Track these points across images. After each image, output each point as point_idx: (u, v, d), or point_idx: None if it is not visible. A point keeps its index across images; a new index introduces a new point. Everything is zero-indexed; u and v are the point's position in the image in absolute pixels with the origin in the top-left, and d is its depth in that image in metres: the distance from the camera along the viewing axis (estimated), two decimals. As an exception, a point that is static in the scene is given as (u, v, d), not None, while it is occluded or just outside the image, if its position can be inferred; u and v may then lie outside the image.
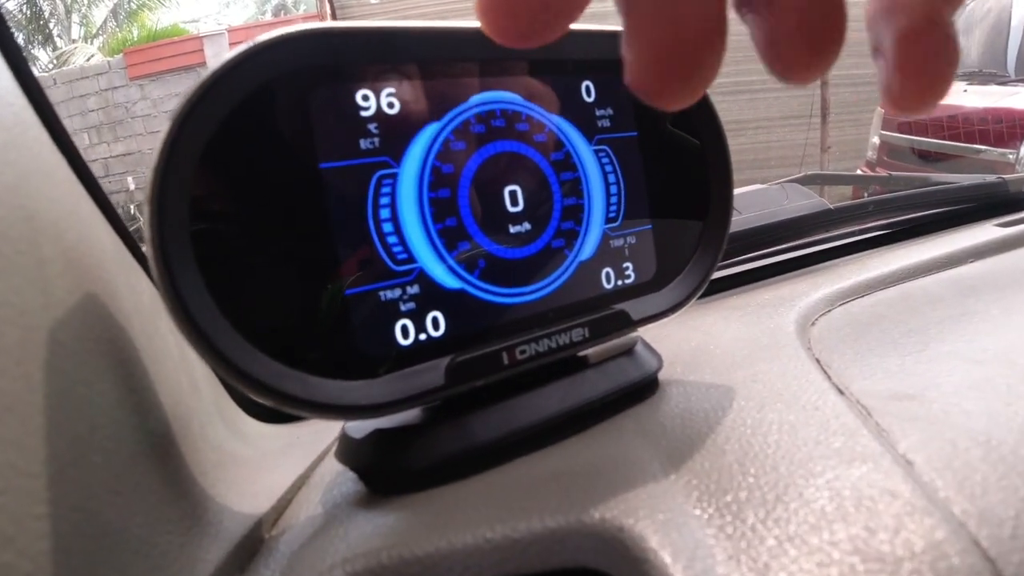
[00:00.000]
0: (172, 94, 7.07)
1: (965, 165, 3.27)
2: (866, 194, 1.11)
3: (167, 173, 0.22)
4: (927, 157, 3.65)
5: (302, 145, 0.25)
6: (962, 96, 3.62)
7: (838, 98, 5.07)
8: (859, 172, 4.08)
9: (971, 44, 4.08)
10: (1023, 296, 0.41)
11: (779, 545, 0.20)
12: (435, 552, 0.22)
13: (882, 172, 3.85)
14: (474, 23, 0.28)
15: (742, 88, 5.29)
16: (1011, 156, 3.14)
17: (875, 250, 0.67)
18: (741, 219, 0.69)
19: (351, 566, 0.22)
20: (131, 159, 7.79)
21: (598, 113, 0.32)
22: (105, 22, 12.86)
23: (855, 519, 0.20)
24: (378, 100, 0.26)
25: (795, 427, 0.26)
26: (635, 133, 0.34)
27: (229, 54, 0.23)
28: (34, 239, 0.22)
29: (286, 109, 0.24)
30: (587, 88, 0.32)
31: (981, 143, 3.35)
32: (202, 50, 6.92)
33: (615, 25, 0.31)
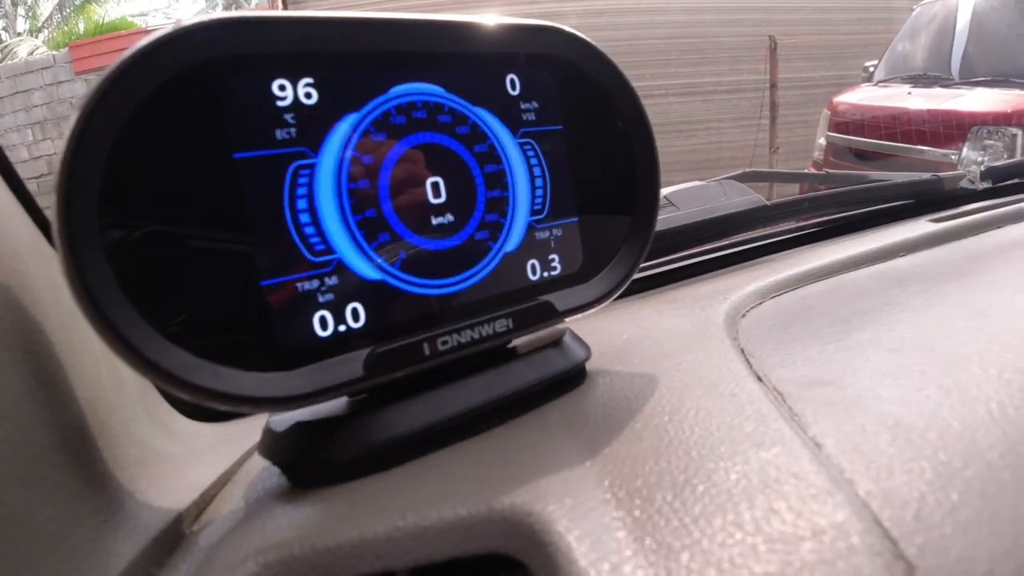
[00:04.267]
0: (119, 90, 6.90)
1: (908, 165, 3.35)
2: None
3: (75, 164, 0.21)
4: (871, 157, 3.72)
5: (215, 135, 0.24)
6: (907, 98, 3.72)
7: (786, 100, 5.17)
8: (805, 171, 4.16)
9: (916, 48, 4.17)
10: (946, 287, 0.42)
11: (683, 526, 0.20)
12: (346, 542, 0.22)
13: (828, 171, 3.95)
14: (396, 14, 0.28)
15: (695, 90, 5.37)
16: (953, 156, 3.23)
17: (811, 245, 0.68)
18: (680, 214, 0.70)
19: (263, 557, 0.22)
20: (77, 156, 7.58)
21: (523, 106, 0.33)
22: (51, 15, 12.51)
23: (759, 501, 0.21)
24: (295, 90, 0.26)
25: (711, 413, 0.27)
26: (560, 127, 0.34)
27: (139, 43, 0.23)
28: None
29: (199, 99, 0.24)
30: (512, 81, 0.32)
31: (924, 144, 3.43)
32: (150, 45, 6.77)
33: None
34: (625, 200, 0.36)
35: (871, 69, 4.48)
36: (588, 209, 0.35)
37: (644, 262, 0.37)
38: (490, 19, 0.31)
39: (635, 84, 0.35)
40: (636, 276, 0.38)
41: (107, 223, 0.22)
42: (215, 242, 0.24)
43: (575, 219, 0.35)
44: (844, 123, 4.02)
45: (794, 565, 0.18)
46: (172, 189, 0.23)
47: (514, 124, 0.32)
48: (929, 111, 3.51)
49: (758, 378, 0.30)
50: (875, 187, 0.83)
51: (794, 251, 0.66)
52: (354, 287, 0.27)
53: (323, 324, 0.27)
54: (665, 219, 0.70)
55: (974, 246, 0.57)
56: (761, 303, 0.46)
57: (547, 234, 0.34)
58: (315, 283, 0.26)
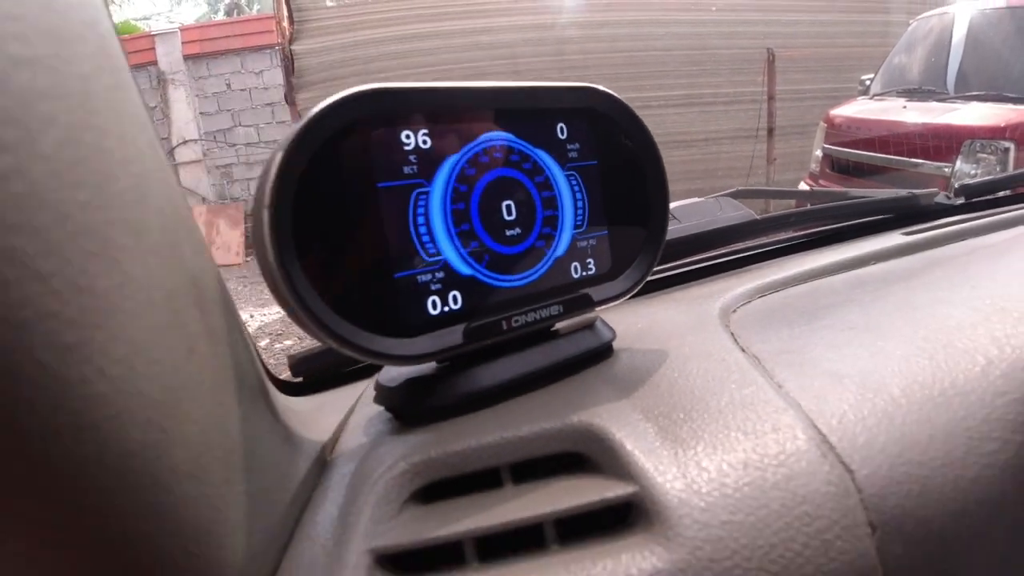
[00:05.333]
0: (124, 93, 6.95)
1: (902, 178, 3.39)
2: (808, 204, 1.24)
3: (279, 190, 0.32)
4: (866, 170, 3.80)
5: (366, 170, 0.35)
6: (902, 112, 3.79)
7: (784, 112, 5.27)
8: (802, 184, 4.24)
9: (912, 62, 4.20)
10: (895, 287, 0.52)
11: (691, 429, 0.31)
12: (467, 447, 0.33)
13: (825, 183, 4.01)
14: (482, 83, 0.39)
15: (694, 101, 5.46)
16: (947, 169, 3.31)
17: (796, 255, 0.78)
18: (682, 227, 0.81)
19: (409, 460, 0.33)
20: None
21: (568, 147, 0.43)
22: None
23: (739, 414, 0.32)
24: (416, 138, 0.37)
25: (708, 371, 0.38)
26: (595, 162, 0.45)
27: (319, 106, 0.33)
28: (175, 226, 0.31)
29: (355, 144, 0.35)
30: (561, 128, 0.43)
31: (919, 157, 3.49)
32: (153, 48, 6.78)
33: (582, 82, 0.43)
34: (643, 217, 0.47)
35: (867, 82, 4.54)
36: (615, 224, 0.46)
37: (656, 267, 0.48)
38: (547, 85, 0.42)
39: (634, 95, 0.46)
40: (648, 279, 0.49)
41: (298, 233, 0.33)
42: (367, 247, 0.35)
43: (605, 232, 0.45)
44: (840, 136, 4.10)
45: (760, 445, 0.29)
46: (339, 208, 0.34)
47: (562, 160, 0.43)
48: (924, 125, 3.58)
49: (742, 350, 0.41)
50: (856, 203, 0.93)
51: (780, 260, 0.76)
52: (454, 280, 0.38)
53: (434, 305, 0.37)
54: (669, 231, 0.80)
55: (936, 255, 0.67)
56: (749, 302, 0.57)
57: (585, 243, 0.44)
58: (428, 276, 0.37)
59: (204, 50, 6.88)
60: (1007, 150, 3.26)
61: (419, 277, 0.37)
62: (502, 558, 0.28)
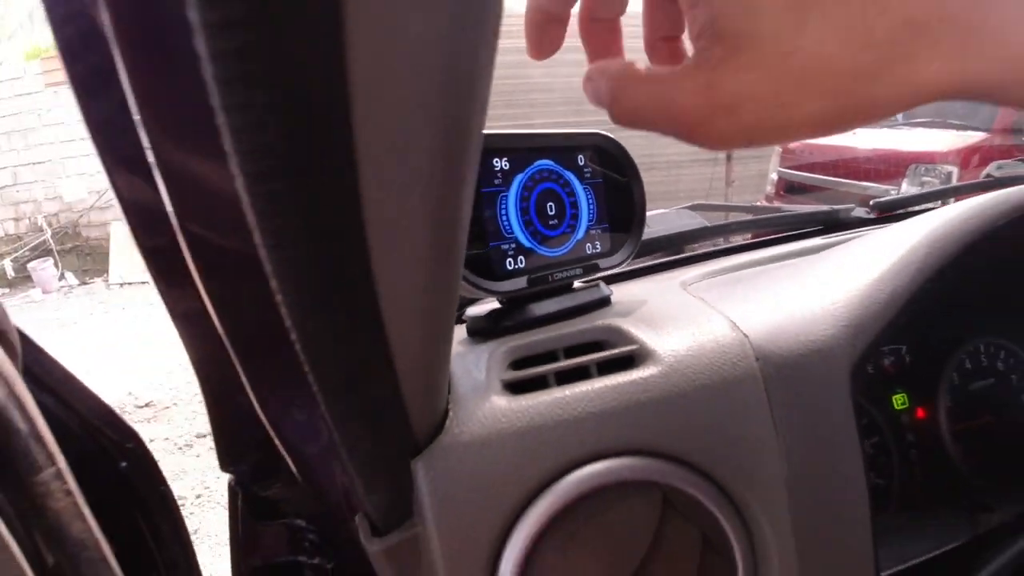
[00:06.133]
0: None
1: (852, 199, 3.63)
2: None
3: None
4: (819, 192, 4.04)
5: (476, 182, 0.59)
6: (852, 138, 4.02)
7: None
8: (757, 204, 4.50)
9: None
10: (799, 265, 0.78)
11: (663, 325, 0.56)
12: (537, 339, 0.57)
13: (778, 204, 4.25)
14: (538, 130, 0.64)
15: (656, 125, 5.70)
16: (894, 192, 3.44)
17: (736, 254, 1.04)
18: (650, 232, 1.06)
19: (507, 345, 0.57)
20: (42, 168, 7.58)
21: (585, 171, 0.68)
22: (20, 26, 12.56)
23: (691, 320, 0.57)
24: (501, 162, 0.61)
25: (672, 305, 0.63)
26: (601, 180, 0.69)
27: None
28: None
29: None
30: (580, 158, 0.68)
31: (868, 180, 3.73)
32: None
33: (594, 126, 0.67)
34: (630, 218, 0.72)
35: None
36: (612, 222, 0.71)
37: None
38: (575, 132, 0.67)
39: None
40: (625, 269, 0.73)
41: None
42: (476, 228, 0.59)
43: (607, 226, 0.70)
44: (794, 160, 4.33)
45: (701, 328, 0.54)
46: None
47: (582, 179, 0.68)
48: (873, 150, 3.82)
49: (695, 298, 0.66)
50: (789, 215, 1.19)
51: (724, 257, 1.02)
52: (521, 250, 0.62)
53: (509, 264, 0.62)
54: (643, 232, 1.05)
55: (836, 250, 0.93)
56: (701, 280, 0.82)
57: (595, 232, 0.69)
58: (507, 246, 0.61)
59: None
60: (950, 173, 3.53)
61: (502, 247, 0.61)
62: (567, 383, 0.52)
